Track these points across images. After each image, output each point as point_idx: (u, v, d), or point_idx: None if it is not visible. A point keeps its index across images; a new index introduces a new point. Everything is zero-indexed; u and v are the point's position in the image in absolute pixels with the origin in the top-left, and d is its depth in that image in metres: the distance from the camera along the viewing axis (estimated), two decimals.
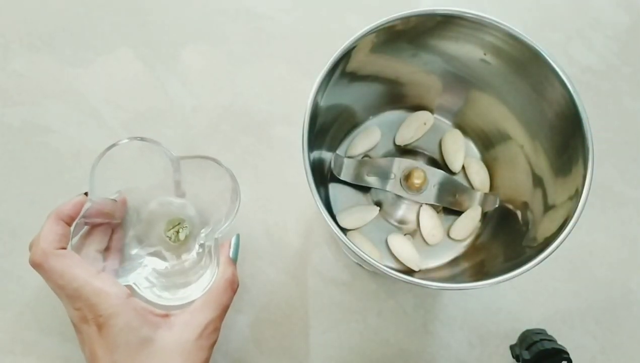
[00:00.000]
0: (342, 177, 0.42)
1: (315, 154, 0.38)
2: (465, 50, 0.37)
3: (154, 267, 0.35)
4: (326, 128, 0.40)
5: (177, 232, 0.35)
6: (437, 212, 0.42)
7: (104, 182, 0.34)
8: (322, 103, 0.36)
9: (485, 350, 0.42)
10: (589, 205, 0.32)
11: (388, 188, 0.40)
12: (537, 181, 0.38)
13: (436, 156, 0.44)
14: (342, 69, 0.36)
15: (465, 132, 0.44)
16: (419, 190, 0.40)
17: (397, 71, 0.40)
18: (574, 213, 0.32)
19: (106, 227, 0.35)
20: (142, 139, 0.34)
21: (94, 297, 0.30)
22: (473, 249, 0.42)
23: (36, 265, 0.31)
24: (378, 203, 0.43)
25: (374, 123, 0.44)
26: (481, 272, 0.39)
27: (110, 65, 0.47)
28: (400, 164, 0.41)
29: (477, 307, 0.43)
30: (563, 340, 0.39)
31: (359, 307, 0.42)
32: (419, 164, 0.41)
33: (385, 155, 0.44)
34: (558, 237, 0.32)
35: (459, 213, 0.42)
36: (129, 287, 0.33)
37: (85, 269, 0.31)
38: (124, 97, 0.46)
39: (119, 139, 0.34)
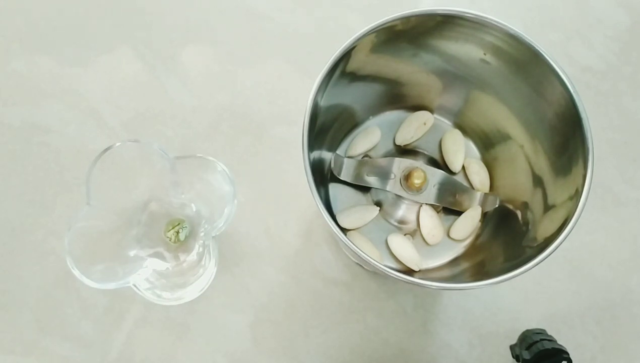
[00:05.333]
0: (342, 177, 0.42)
1: (315, 154, 0.38)
2: (465, 50, 0.37)
3: (155, 267, 0.35)
4: (326, 128, 0.40)
5: (177, 232, 0.35)
6: (437, 212, 0.42)
7: (102, 185, 0.34)
8: (322, 103, 0.36)
9: (485, 350, 0.42)
10: (589, 205, 0.32)
11: (388, 188, 0.40)
12: (537, 181, 0.38)
13: (436, 156, 0.44)
14: (342, 69, 0.36)
15: (465, 132, 0.44)
16: (419, 190, 0.40)
17: (397, 71, 0.40)
18: (574, 214, 0.32)
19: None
20: (136, 141, 0.34)
21: None
22: (473, 249, 0.42)
23: None
24: (378, 203, 0.43)
25: (374, 123, 0.44)
26: (481, 272, 0.39)
27: (110, 65, 0.47)
28: (400, 164, 0.41)
29: (477, 307, 0.43)
30: (563, 340, 0.39)
31: (359, 307, 0.42)
32: (419, 164, 0.41)
33: (385, 155, 0.43)
34: (558, 237, 0.32)
35: (459, 213, 0.42)
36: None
37: None
38: (124, 97, 0.46)
39: (113, 143, 0.34)
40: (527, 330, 0.41)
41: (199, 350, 0.41)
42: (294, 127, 0.45)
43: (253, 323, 0.42)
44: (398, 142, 0.44)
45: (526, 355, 0.38)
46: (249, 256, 0.43)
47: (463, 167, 0.43)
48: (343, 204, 0.43)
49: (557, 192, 0.36)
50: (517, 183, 0.40)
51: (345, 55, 0.35)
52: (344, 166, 0.42)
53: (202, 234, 0.35)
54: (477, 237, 0.42)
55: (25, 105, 0.46)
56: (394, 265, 0.42)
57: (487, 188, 0.43)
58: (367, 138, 0.43)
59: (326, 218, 0.32)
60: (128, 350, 0.41)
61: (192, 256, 0.35)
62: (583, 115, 0.34)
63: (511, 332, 0.42)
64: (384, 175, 0.41)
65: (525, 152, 0.39)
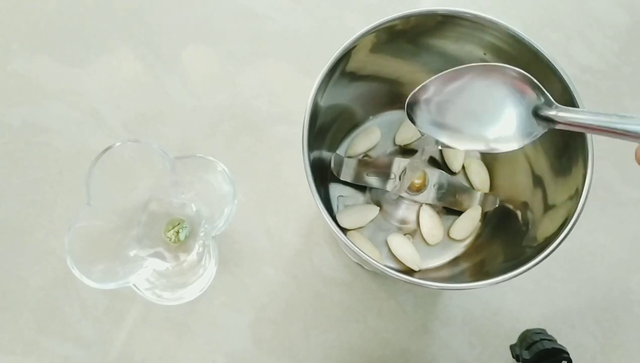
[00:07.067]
0: (342, 177, 0.42)
1: (315, 153, 0.38)
2: (465, 50, 0.37)
3: (155, 267, 0.35)
4: (326, 128, 0.40)
5: (177, 232, 0.35)
6: (437, 212, 0.42)
7: (102, 184, 0.34)
8: (322, 103, 0.36)
9: (485, 350, 0.42)
10: (589, 205, 0.32)
11: (388, 188, 0.40)
12: (537, 181, 0.38)
13: (436, 156, 0.44)
14: (342, 69, 0.36)
15: None
16: (419, 190, 0.40)
17: (397, 71, 0.40)
18: (574, 213, 0.32)
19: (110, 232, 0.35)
20: (136, 141, 0.34)
21: None
22: (473, 249, 0.42)
23: None
24: (378, 203, 0.43)
25: (374, 123, 0.44)
26: (481, 272, 0.39)
27: (110, 65, 0.47)
28: (400, 164, 0.41)
29: (477, 307, 0.43)
30: (563, 340, 0.39)
31: (359, 307, 0.42)
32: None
33: (385, 155, 0.43)
34: (558, 236, 0.32)
35: (459, 213, 0.42)
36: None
37: None
38: (124, 97, 0.46)
39: (113, 143, 0.34)
40: (527, 330, 0.41)
41: (199, 350, 0.41)
42: (294, 127, 0.45)
43: (253, 323, 0.42)
44: (398, 142, 0.44)
45: (526, 355, 0.38)
46: (249, 256, 0.43)
47: (463, 167, 0.43)
48: (343, 204, 0.43)
49: (557, 192, 0.36)
50: (517, 183, 0.40)
51: (345, 55, 0.35)
52: (344, 166, 0.42)
53: (202, 234, 0.35)
54: (477, 237, 0.42)
55: (25, 105, 0.46)
56: (394, 265, 0.42)
57: (487, 188, 0.43)
58: (367, 138, 0.43)
59: (326, 218, 0.32)
60: (128, 350, 0.41)
61: (192, 256, 0.35)
62: None
63: (511, 332, 0.42)
64: (384, 175, 0.41)
65: (525, 152, 0.39)
